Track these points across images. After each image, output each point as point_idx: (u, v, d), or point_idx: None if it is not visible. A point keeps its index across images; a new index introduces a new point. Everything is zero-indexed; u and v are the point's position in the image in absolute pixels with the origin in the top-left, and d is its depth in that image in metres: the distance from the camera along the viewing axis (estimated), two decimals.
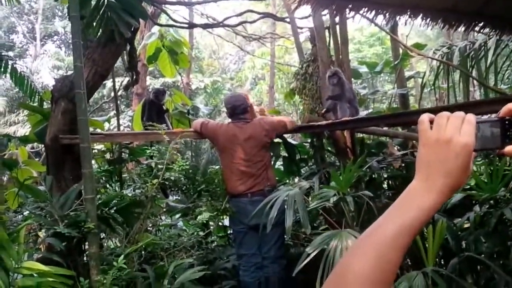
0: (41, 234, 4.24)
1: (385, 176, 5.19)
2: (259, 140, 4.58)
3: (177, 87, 17.63)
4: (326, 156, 5.94)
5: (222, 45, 25.48)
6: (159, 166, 3.99)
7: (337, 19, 5.56)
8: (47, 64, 19.74)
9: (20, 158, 6.57)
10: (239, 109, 4.62)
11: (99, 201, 3.72)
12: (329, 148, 5.99)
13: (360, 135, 6.16)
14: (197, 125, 4.67)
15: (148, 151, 4.38)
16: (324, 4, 3.75)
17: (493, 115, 0.87)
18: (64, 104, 4.07)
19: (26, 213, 4.44)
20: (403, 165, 5.42)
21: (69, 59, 19.58)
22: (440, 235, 3.01)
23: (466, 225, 3.87)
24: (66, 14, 17.58)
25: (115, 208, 3.72)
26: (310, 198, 4.42)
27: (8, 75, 6.08)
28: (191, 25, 7.63)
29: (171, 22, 6.44)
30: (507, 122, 0.83)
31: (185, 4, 6.85)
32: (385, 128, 5.93)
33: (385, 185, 5.46)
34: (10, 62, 5.95)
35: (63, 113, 4.05)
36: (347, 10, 4.01)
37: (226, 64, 29.48)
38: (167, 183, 4.20)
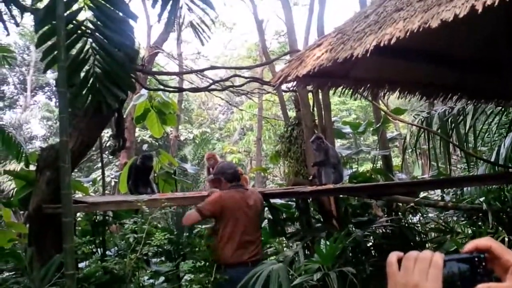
0: None
1: (370, 243, 5.23)
2: (259, 207, 4.56)
3: (167, 138, 17.75)
4: (312, 219, 5.97)
5: (211, 96, 25.96)
6: (139, 239, 3.96)
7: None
8: (37, 115, 19.84)
9: (4, 218, 6.46)
10: (238, 175, 4.59)
11: (80, 275, 3.67)
12: (315, 213, 6.03)
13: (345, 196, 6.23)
14: (195, 216, 4.41)
15: (127, 225, 4.35)
16: (306, 82, 3.92)
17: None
18: (49, 174, 4.09)
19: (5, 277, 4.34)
20: (389, 231, 5.48)
21: (58, 110, 19.75)
22: None
23: None
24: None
25: (96, 283, 3.67)
26: (293, 269, 4.41)
27: None
28: (180, 90, 7.81)
29: (160, 86, 6.61)
30: (476, 259, 0.81)
31: (172, 74, 7.06)
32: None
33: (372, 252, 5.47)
34: None
35: (48, 183, 4.06)
36: (327, 86, 4.18)
37: (215, 115, 29.87)
38: (149, 253, 4.15)
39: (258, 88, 15.22)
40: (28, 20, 18.07)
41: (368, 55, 2.96)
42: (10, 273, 4.67)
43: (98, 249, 5.21)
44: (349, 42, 3.20)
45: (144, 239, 3.91)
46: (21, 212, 8.10)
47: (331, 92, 5.78)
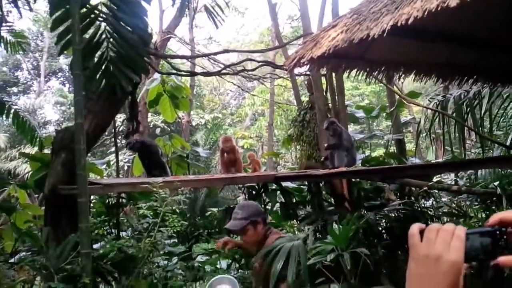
0: (36, 282, 4.23)
1: (382, 227, 5.21)
2: None
3: (178, 123, 17.80)
4: (324, 202, 5.98)
5: (223, 81, 25.94)
6: (155, 221, 4.00)
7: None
8: (51, 100, 20.03)
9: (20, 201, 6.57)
10: None
11: (95, 254, 3.73)
12: (327, 196, 6.03)
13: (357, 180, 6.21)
14: None
15: (141, 211, 4.38)
16: (319, 64, 3.88)
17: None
18: (64, 156, 4.13)
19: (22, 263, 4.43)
20: (401, 215, 5.45)
21: (71, 95, 19.90)
22: None
23: None
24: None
25: (111, 262, 3.73)
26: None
27: (10, 119, 6.19)
28: (192, 73, 7.81)
29: (172, 70, 6.61)
30: (498, 232, 0.82)
31: (185, 57, 7.05)
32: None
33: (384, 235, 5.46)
34: (12, 108, 6.07)
35: (63, 165, 4.11)
36: (342, 68, 4.14)
37: (227, 100, 29.84)
38: (159, 242, 4.16)
39: (270, 73, 15.15)
40: (42, 5, 18.17)
41: (384, 35, 2.92)
42: (27, 253, 4.78)
43: (113, 230, 5.30)
44: (365, 22, 3.15)
45: (160, 223, 3.94)
46: (36, 195, 8.25)
47: (344, 75, 5.74)
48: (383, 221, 5.22)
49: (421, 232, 0.84)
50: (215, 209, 6.60)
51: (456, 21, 3.66)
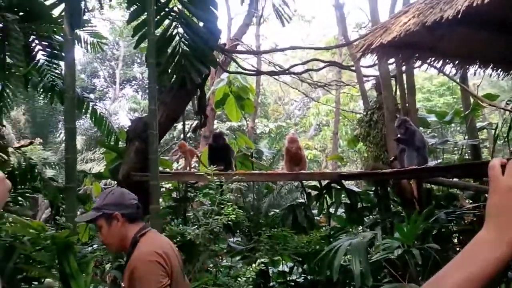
0: (107, 266, 4.44)
1: (454, 229, 4.92)
2: None
3: (243, 131, 18.08)
4: (391, 205, 5.77)
5: (288, 91, 25.95)
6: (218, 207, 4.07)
7: (404, 67, 5.54)
8: (125, 106, 21.24)
9: (93, 193, 7.00)
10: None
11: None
12: (395, 198, 5.82)
13: (428, 185, 5.93)
14: None
15: (204, 191, 4.47)
16: (390, 53, 3.77)
17: None
18: (138, 144, 4.34)
19: (95, 246, 4.69)
20: (475, 219, 5.12)
21: (144, 102, 20.94)
22: None
23: None
24: (144, 61, 18.98)
25: (177, 245, 3.82)
26: (373, 249, 4.28)
27: (88, 115, 6.62)
28: (259, 72, 7.93)
29: (239, 70, 6.74)
30: None
31: (253, 53, 7.16)
32: (455, 180, 5.66)
33: (454, 240, 5.17)
34: (91, 104, 6.49)
35: (136, 152, 4.32)
36: (414, 59, 3.99)
37: (291, 110, 29.86)
38: (218, 227, 4.21)
39: (335, 81, 15.00)
40: (117, 16, 19.37)
41: (459, 16, 2.79)
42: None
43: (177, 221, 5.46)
44: (439, 5, 3.03)
45: (216, 211, 4.00)
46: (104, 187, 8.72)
47: (416, 74, 5.53)
48: (456, 223, 4.93)
49: (502, 167, 0.81)
50: (277, 210, 6.60)
51: None
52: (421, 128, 7.80)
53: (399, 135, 4.77)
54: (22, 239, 3.24)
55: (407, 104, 5.80)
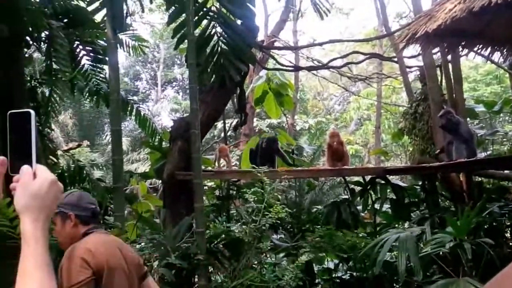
0: (155, 264, 4.54)
1: (508, 223, 4.69)
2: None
3: (282, 127, 18.02)
4: (439, 200, 5.57)
5: (327, 86, 25.63)
6: (259, 206, 4.07)
7: (449, 57, 5.33)
8: (166, 107, 21.70)
9: (139, 192, 7.20)
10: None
11: (208, 235, 3.89)
12: (443, 192, 5.62)
13: (477, 178, 5.69)
14: None
15: (249, 192, 4.48)
16: (435, 42, 3.63)
17: None
18: (180, 143, 4.41)
19: (142, 244, 4.81)
20: None
21: (185, 103, 21.32)
22: None
23: None
24: (184, 62, 19.33)
25: (223, 243, 3.86)
26: (421, 244, 4.14)
27: (132, 117, 6.80)
28: (297, 68, 7.87)
29: (277, 66, 6.72)
30: None
31: (291, 49, 7.11)
32: (507, 172, 5.40)
33: (506, 234, 4.93)
34: (135, 106, 6.65)
35: (179, 152, 4.39)
36: (460, 47, 3.82)
37: (331, 105, 29.48)
38: (267, 224, 4.21)
39: (377, 73, 14.66)
40: (157, 18, 19.79)
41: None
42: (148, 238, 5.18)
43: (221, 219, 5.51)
44: None
45: (264, 209, 4.00)
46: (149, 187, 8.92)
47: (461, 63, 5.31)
48: (509, 217, 4.69)
49: None
50: (320, 207, 6.53)
51: None
52: (468, 119, 7.50)
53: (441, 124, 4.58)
54: None
55: (454, 95, 5.57)
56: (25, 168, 0.93)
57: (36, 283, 0.84)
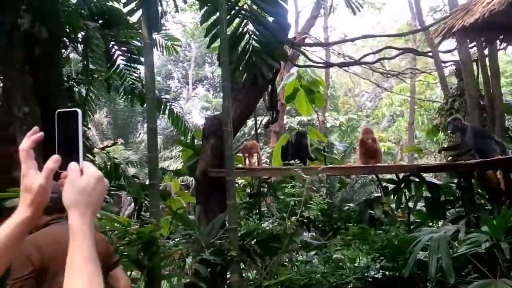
0: (188, 260, 4.63)
1: None
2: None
3: (313, 125, 17.91)
4: (475, 198, 5.42)
5: (358, 83, 25.29)
6: (297, 202, 4.08)
7: (486, 51, 5.17)
8: (197, 105, 21.98)
9: (172, 189, 7.34)
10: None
11: (241, 232, 3.94)
12: (479, 190, 5.47)
13: None
14: None
15: (286, 189, 4.50)
16: (471, 36, 3.54)
17: None
18: (213, 141, 4.47)
19: (176, 239, 4.91)
20: None
21: (215, 100, 21.54)
22: None
23: None
24: (215, 60, 19.47)
25: (255, 240, 3.90)
26: (456, 243, 4.06)
27: (165, 115, 6.94)
28: (328, 65, 7.82)
29: (308, 63, 6.69)
30: None
31: (322, 45, 7.07)
32: None
33: None
34: (168, 104, 6.79)
35: (212, 149, 4.45)
36: (498, 41, 3.71)
37: (362, 102, 29.06)
38: (305, 220, 4.22)
39: (410, 68, 14.36)
40: (188, 18, 20.02)
41: None
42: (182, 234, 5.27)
43: (254, 217, 5.55)
44: None
45: (303, 204, 4.01)
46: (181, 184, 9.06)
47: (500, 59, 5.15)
48: None
49: None
50: (351, 205, 6.48)
51: None
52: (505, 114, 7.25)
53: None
54: (110, 234, 3.45)
55: (491, 90, 5.41)
56: (72, 165, 0.96)
57: (84, 276, 0.87)
